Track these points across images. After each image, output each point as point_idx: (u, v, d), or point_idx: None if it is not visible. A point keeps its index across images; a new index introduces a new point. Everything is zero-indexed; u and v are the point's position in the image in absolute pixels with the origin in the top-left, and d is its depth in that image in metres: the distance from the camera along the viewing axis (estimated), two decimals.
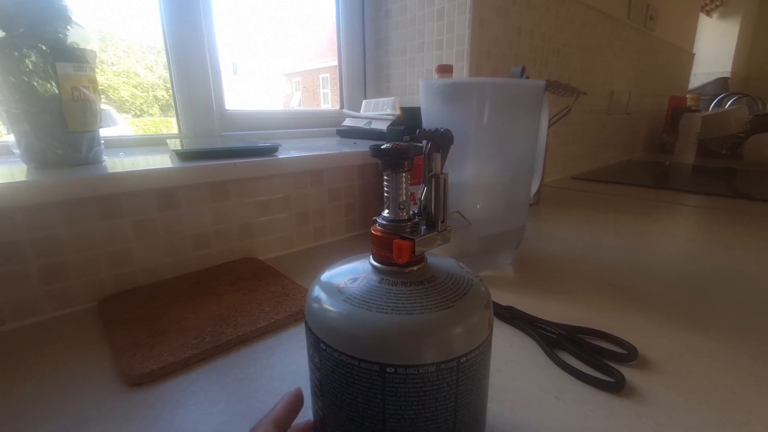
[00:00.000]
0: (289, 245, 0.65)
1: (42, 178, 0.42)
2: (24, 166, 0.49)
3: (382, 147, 0.20)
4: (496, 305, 0.44)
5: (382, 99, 0.94)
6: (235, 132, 0.86)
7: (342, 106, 1.10)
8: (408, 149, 0.20)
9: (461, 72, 0.87)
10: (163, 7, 0.71)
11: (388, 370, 0.18)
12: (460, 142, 0.50)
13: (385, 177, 0.21)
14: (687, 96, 2.13)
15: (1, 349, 0.39)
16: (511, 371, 0.35)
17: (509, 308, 0.44)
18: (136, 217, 0.50)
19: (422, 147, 0.21)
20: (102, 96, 0.51)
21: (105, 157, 0.56)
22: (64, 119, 0.48)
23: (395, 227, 0.21)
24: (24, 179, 0.41)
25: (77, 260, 0.46)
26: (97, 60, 0.54)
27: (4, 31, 0.44)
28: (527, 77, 0.85)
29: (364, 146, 0.78)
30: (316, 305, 0.21)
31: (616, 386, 0.32)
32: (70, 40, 0.49)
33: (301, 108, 1.01)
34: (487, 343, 0.21)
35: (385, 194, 0.21)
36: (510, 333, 0.40)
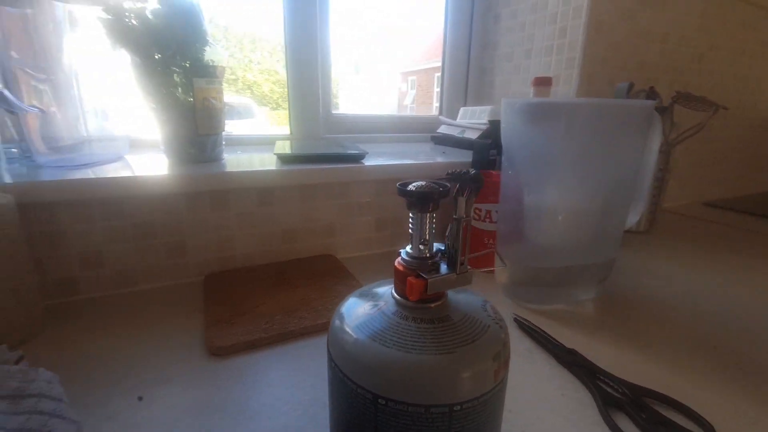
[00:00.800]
0: (367, 247, 0.69)
1: (176, 172, 0.53)
2: (166, 160, 0.61)
3: (408, 188, 0.21)
4: (557, 346, 0.41)
5: (479, 107, 0.92)
6: (337, 135, 0.93)
7: (441, 112, 1.11)
8: (433, 193, 0.21)
9: (569, 81, 0.80)
10: (285, 15, 0.81)
11: (379, 401, 0.19)
12: (542, 163, 0.47)
13: (410, 215, 0.22)
14: None
15: (132, 303, 0.50)
16: (555, 424, 0.32)
17: (572, 352, 0.40)
18: (239, 211, 0.58)
19: (448, 190, 0.21)
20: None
21: (225, 155, 0.66)
22: (195, 124, 0.59)
23: (415, 264, 0.22)
24: (165, 173, 0.52)
25: (193, 242, 0.56)
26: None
27: (159, 53, 0.55)
28: (653, 90, 0.75)
29: (452, 155, 0.78)
30: (337, 323, 0.23)
31: None
32: (206, 58, 0.59)
33: (400, 113, 1.05)
34: (492, 395, 0.20)
35: (410, 231, 0.22)
36: (566, 380, 0.37)
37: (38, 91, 0.53)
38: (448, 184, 0.22)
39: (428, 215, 0.22)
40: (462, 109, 0.98)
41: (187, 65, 0.57)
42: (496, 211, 0.57)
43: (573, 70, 0.79)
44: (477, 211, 0.60)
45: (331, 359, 0.22)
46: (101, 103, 0.60)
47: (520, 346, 0.43)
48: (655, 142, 0.53)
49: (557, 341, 0.42)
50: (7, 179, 0.45)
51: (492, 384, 0.20)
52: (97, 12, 0.53)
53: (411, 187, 0.21)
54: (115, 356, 0.40)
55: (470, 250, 0.62)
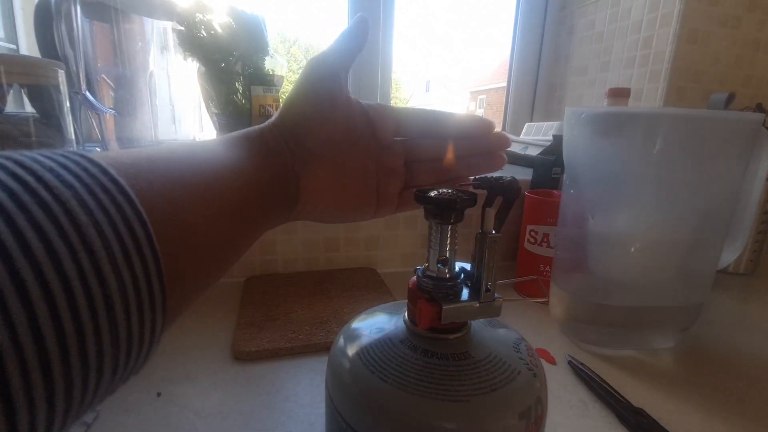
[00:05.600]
0: (410, 263, 0.65)
1: None
2: None
3: (427, 194, 0.18)
4: (619, 402, 0.34)
5: (545, 123, 0.85)
6: None
7: (504, 128, 1.05)
8: (455, 200, 0.17)
9: (653, 96, 0.71)
10: None
11: None
12: (612, 183, 0.41)
13: (430, 226, 0.19)
14: None
15: None
16: None
17: (639, 412, 0.33)
18: None
19: (474, 198, 0.18)
20: None
21: None
22: None
23: (431, 285, 0.19)
24: None
25: None
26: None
27: (224, 62, 0.58)
28: (760, 107, 0.63)
29: (511, 173, 0.72)
30: (340, 342, 0.20)
31: None
32: (266, 67, 0.61)
33: (461, 113, 1.00)
34: None
35: (429, 245, 0.19)
36: None
37: (118, 97, 0.59)
38: (476, 192, 0.18)
39: (450, 228, 0.18)
40: (527, 125, 0.92)
41: (249, 72, 0.60)
42: (555, 236, 0.51)
43: (659, 84, 0.70)
44: (533, 234, 0.54)
45: (326, 384, 0.19)
46: (172, 109, 0.65)
47: (572, 395, 0.36)
48: (763, 167, 0.43)
49: (621, 396, 0.35)
50: None
51: None
52: (173, 25, 0.57)
53: (431, 193, 0.18)
54: None
55: (522, 275, 0.55)
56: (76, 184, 0.11)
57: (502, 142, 0.26)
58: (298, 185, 0.23)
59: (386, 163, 0.26)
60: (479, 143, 0.25)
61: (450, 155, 0.22)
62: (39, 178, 0.11)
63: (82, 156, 0.13)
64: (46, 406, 0.10)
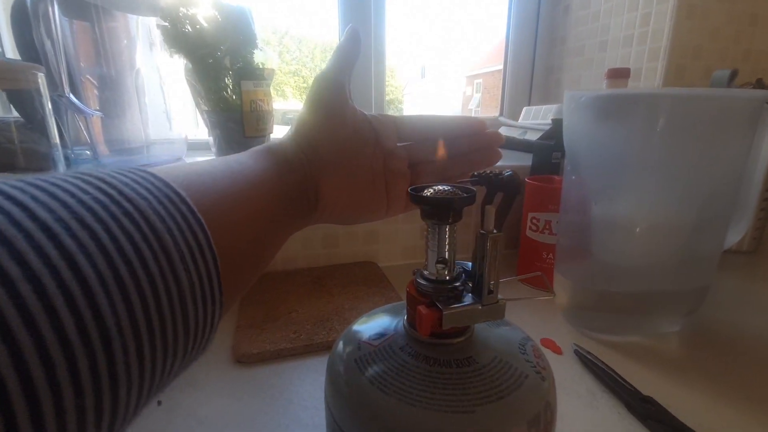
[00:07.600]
0: (411, 256, 0.65)
1: None
2: None
3: (422, 193, 0.17)
4: (629, 391, 0.33)
5: (544, 106, 0.83)
6: None
7: (501, 113, 1.03)
8: (452, 200, 0.16)
9: (653, 75, 0.69)
10: (339, 19, 0.81)
11: None
12: (614, 168, 0.40)
13: (428, 227, 0.18)
14: None
15: None
16: None
17: (647, 400, 0.32)
18: None
19: (473, 196, 0.17)
20: None
21: None
22: (243, 126, 0.59)
23: (431, 289, 0.18)
24: None
25: None
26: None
27: (211, 57, 0.56)
28: (760, 83, 0.62)
29: (510, 159, 0.71)
30: (339, 347, 0.19)
31: None
32: (255, 61, 0.60)
33: (455, 115, 0.98)
34: None
35: (427, 246, 0.18)
36: None
37: (104, 98, 0.57)
38: (474, 189, 0.17)
39: (448, 227, 0.17)
40: (525, 109, 0.90)
41: (238, 67, 0.58)
42: (557, 223, 0.50)
43: (657, 63, 0.69)
44: (534, 221, 0.53)
45: (325, 393, 0.18)
46: (163, 108, 0.63)
47: (579, 385, 0.36)
48: (766, 145, 0.42)
49: (630, 384, 0.34)
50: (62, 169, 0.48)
51: None
52: (157, 21, 0.55)
53: (427, 192, 0.17)
54: None
55: (526, 265, 0.55)
56: (150, 197, 0.13)
57: (496, 139, 0.28)
58: (317, 192, 0.25)
59: (392, 166, 0.28)
60: (475, 141, 0.28)
61: (441, 151, 0.23)
62: (120, 192, 0.13)
63: (145, 171, 0.15)
64: (138, 382, 0.12)
